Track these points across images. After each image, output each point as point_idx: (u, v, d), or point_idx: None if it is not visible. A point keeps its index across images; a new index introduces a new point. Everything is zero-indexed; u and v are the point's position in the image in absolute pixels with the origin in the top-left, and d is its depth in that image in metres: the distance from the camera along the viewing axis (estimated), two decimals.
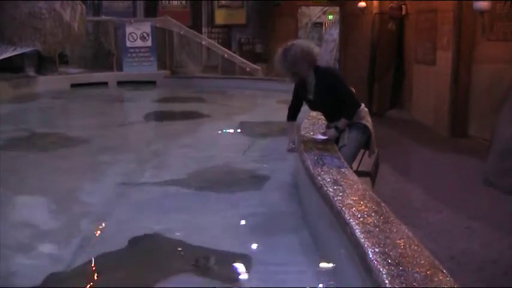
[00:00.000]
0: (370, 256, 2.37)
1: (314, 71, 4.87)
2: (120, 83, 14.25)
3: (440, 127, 11.17)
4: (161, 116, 10.05)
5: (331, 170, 3.86)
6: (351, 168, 4.52)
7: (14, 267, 3.42)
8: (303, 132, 5.22)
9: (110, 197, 4.94)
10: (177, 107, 11.15)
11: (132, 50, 14.70)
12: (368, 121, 5.07)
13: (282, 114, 5.42)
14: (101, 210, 4.55)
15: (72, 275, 3.27)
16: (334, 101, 4.88)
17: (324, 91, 4.86)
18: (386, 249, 2.43)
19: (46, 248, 3.72)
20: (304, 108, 5.32)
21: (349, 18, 17.46)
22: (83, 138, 7.55)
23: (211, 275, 3.27)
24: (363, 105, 5.13)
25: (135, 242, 3.77)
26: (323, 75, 4.89)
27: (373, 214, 2.91)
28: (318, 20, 26.87)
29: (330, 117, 5.12)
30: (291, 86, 5.27)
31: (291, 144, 5.13)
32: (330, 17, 25.93)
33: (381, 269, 2.24)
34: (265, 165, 5.96)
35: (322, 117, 5.51)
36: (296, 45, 4.83)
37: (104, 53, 15.21)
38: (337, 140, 4.97)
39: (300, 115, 5.34)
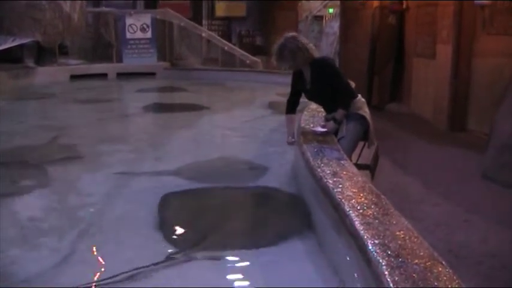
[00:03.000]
0: (370, 247, 2.38)
1: (310, 62, 4.91)
2: (119, 75, 14.23)
3: (440, 121, 11.16)
4: (160, 108, 10.04)
5: (331, 162, 3.87)
6: (350, 160, 4.54)
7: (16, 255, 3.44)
8: (302, 125, 5.22)
9: (109, 187, 4.95)
10: (177, 98, 11.16)
11: (132, 42, 14.69)
12: (366, 112, 5.08)
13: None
14: (100, 200, 4.55)
15: None
16: (331, 91, 4.90)
17: (320, 80, 4.88)
18: (386, 241, 2.44)
19: (46, 239, 3.71)
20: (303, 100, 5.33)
21: (350, 12, 17.39)
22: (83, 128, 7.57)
23: None
24: (359, 95, 5.13)
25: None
26: (318, 64, 4.92)
27: (372, 206, 2.92)
28: (319, 14, 26.81)
29: (328, 108, 5.13)
30: (290, 79, 5.28)
31: (290, 137, 5.15)
32: (330, 10, 25.86)
33: (381, 260, 2.25)
34: (265, 157, 5.97)
35: (322, 109, 5.51)
36: (292, 42, 4.86)
37: (103, 45, 15.20)
38: (336, 132, 4.98)
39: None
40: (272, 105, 9.55)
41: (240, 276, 3.25)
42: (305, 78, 5.01)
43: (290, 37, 4.92)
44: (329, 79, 4.89)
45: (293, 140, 5.11)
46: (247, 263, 3.36)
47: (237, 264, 3.39)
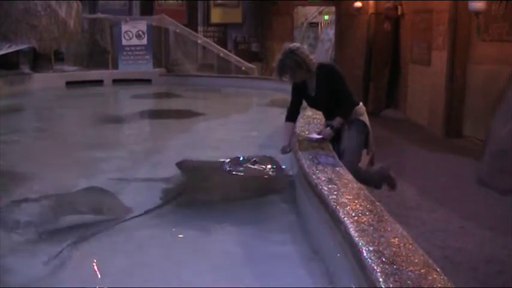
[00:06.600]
0: (365, 254, 2.38)
1: (315, 69, 4.89)
2: (115, 81, 14.23)
3: (435, 127, 11.19)
4: (156, 114, 10.05)
5: (326, 169, 3.86)
6: (359, 170, 4.64)
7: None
8: (298, 132, 5.21)
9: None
10: (172, 104, 11.15)
11: (128, 48, 14.69)
12: (366, 119, 5.10)
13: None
14: None
15: None
16: (336, 97, 4.89)
17: (327, 86, 4.87)
18: (381, 248, 2.43)
19: (42, 246, 3.69)
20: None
21: (345, 18, 17.47)
22: (78, 135, 7.56)
23: None
24: (361, 103, 5.14)
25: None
26: (326, 70, 4.91)
27: (367, 213, 2.91)
28: (314, 20, 26.88)
29: (330, 115, 5.10)
30: (286, 85, 5.27)
31: (284, 146, 5.08)
32: (326, 17, 25.93)
33: (375, 268, 2.25)
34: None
35: (318, 116, 5.50)
36: (291, 59, 4.80)
37: (99, 51, 15.18)
38: (335, 138, 4.98)
39: None
40: (268, 111, 9.56)
41: None
42: (308, 85, 4.99)
43: (288, 52, 4.80)
44: (336, 85, 4.89)
45: (287, 149, 5.05)
46: None
47: None
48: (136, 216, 4.07)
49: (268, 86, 12.03)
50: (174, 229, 3.99)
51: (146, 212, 4.13)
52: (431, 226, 5.93)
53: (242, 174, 4.82)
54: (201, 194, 4.49)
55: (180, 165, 5.20)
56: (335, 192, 3.29)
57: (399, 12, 13.90)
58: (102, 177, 5.41)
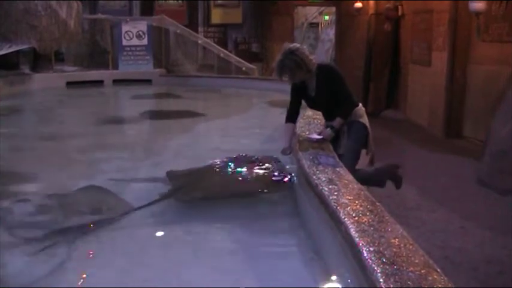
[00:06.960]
0: (365, 255, 2.38)
1: (315, 69, 4.88)
2: (115, 81, 14.23)
3: (435, 128, 11.20)
4: (156, 115, 10.03)
5: (327, 169, 3.86)
6: (357, 171, 4.63)
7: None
8: (298, 132, 5.21)
9: None
10: (173, 105, 11.15)
11: (128, 49, 14.69)
12: (366, 121, 5.11)
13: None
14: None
15: None
16: (336, 98, 4.90)
17: (326, 87, 4.87)
18: (381, 248, 2.43)
19: (41, 246, 3.69)
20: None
21: (345, 19, 17.49)
22: (79, 136, 7.56)
23: None
24: (360, 104, 5.15)
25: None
26: (326, 71, 4.91)
27: (368, 213, 2.91)
28: (314, 20, 26.90)
29: (329, 115, 5.10)
30: (286, 86, 5.27)
31: (285, 147, 5.08)
32: (326, 17, 25.95)
33: (376, 268, 2.25)
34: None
35: (318, 117, 5.50)
36: (290, 59, 4.79)
37: (99, 51, 15.18)
38: (334, 139, 4.98)
39: None
40: (268, 112, 9.57)
41: None
42: (308, 85, 4.99)
43: (288, 52, 4.79)
44: (336, 86, 4.89)
45: (288, 151, 5.05)
46: None
47: None
48: (128, 213, 4.15)
49: (268, 86, 12.02)
50: (174, 229, 4.00)
51: (139, 208, 4.24)
52: (432, 226, 5.94)
53: (242, 174, 4.82)
54: (200, 193, 4.49)
55: (170, 173, 5.15)
56: (335, 193, 3.29)
57: (399, 13, 13.91)
58: (102, 178, 5.40)
